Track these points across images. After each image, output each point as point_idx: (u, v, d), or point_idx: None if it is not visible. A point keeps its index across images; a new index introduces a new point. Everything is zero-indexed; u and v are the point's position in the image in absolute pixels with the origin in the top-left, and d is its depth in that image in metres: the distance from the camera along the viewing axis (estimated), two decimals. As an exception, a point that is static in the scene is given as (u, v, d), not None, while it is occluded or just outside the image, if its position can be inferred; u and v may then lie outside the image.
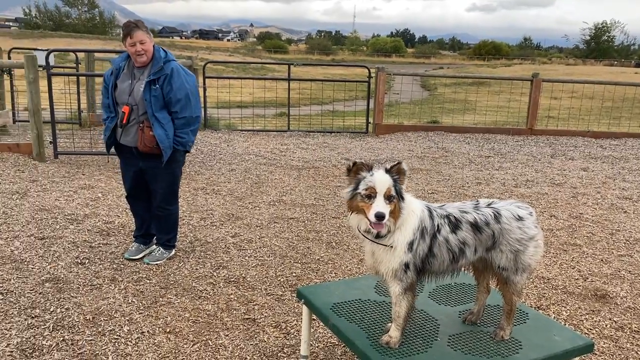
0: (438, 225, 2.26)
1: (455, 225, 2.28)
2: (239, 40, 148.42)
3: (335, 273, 4.10)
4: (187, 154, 4.19)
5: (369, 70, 10.63)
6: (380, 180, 2.15)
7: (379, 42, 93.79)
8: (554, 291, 3.92)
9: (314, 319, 3.12)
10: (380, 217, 2.10)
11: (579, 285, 4.04)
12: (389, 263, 2.24)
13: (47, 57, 7.21)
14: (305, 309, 2.74)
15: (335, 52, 78.79)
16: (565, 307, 3.68)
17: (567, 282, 4.07)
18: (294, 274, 4.03)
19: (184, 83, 3.84)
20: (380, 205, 2.12)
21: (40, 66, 6.94)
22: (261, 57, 51.49)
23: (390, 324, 2.38)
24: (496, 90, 17.91)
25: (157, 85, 3.76)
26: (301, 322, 3.26)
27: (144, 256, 4.16)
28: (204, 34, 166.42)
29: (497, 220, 2.31)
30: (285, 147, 8.87)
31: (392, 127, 10.63)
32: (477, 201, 2.39)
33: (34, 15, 69.66)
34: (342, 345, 3.06)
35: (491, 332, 2.46)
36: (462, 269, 2.49)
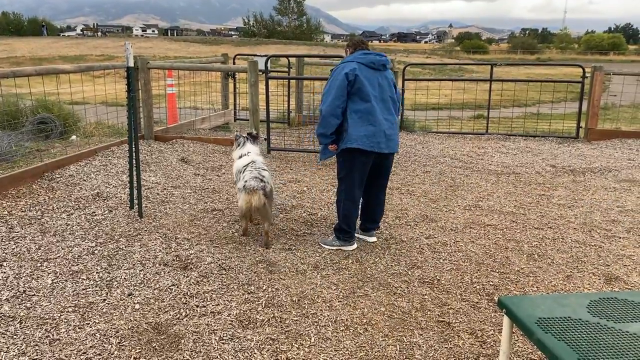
0: None
1: None
2: (436, 41, 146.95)
3: (537, 287, 3.84)
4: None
5: (583, 70, 9.66)
6: None
7: (593, 39, 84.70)
8: None
9: (514, 332, 2.96)
10: None
11: None
12: None
13: (266, 62, 8.03)
14: (506, 320, 2.61)
15: (540, 51, 73.24)
16: None
17: None
18: (490, 283, 3.88)
19: (328, 82, 4.22)
20: None
21: (260, 70, 7.76)
22: (459, 58, 50.25)
23: None
24: None
25: None
26: (499, 332, 3.14)
27: (360, 236, 4.63)
28: (401, 37, 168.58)
29: None
30: (483, 151, 8.55)
31: (607, 133, 9.52)
32: None
33: (251, 24, 78.19)
34: (544, 364, 2.87)
35: None
36: None
